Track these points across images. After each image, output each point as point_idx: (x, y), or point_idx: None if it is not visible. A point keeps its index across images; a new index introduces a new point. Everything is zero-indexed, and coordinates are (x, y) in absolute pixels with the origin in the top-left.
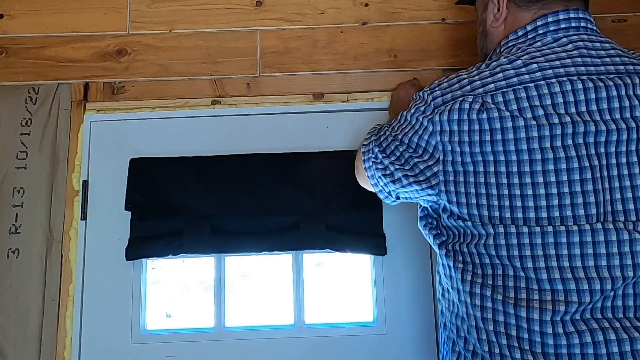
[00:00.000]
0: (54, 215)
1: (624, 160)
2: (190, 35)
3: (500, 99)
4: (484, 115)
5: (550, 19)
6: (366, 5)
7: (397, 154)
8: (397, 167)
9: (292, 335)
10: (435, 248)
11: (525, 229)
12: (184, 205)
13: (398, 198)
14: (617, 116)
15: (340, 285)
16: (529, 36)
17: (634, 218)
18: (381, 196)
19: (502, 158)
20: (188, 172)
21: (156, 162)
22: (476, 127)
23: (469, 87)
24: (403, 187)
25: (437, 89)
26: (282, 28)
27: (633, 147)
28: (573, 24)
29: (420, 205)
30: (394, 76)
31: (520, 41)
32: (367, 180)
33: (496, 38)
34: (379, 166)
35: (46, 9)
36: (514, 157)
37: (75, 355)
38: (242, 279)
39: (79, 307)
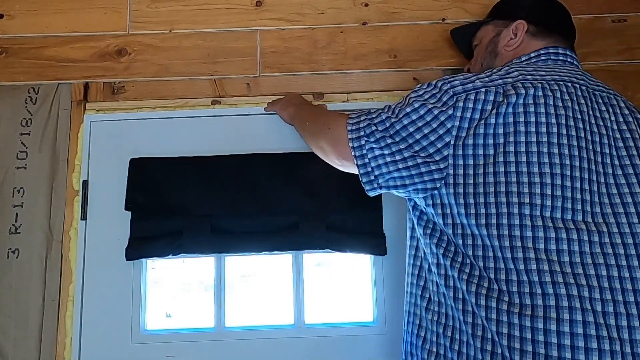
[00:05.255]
0: (54, 215)
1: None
2: (190, 35)
3: (522, 90)
4: (503, 109)
5: (551, 50)
6: (366, 5)
7: (404, 134)
8: (403, 147)
9: (292, 335)
10: (434, 258)
11: (517, 231)
12: (184, 205)
13: (381, 187)
14: (608, 125)
15: (340, 285)
16: (532, 60)
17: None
18: (364, 179)
19: (512, 149)
20: (188, 172)
21: (156, 162)
22: (492, 120)
23: (487, 79)
24: (407, 168)
25: (453, 79)
26: (282, 28)
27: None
28: (568, 60)
29: (416, 211)
30: (394, 76)
31: (524, 63)
32: (348, 159)
33: (505, 59)
34: (375, 145)
35: (46, 9)
36: (524, 149)
37: (75, 355)
38: (242, 279)
39: (79, 307)
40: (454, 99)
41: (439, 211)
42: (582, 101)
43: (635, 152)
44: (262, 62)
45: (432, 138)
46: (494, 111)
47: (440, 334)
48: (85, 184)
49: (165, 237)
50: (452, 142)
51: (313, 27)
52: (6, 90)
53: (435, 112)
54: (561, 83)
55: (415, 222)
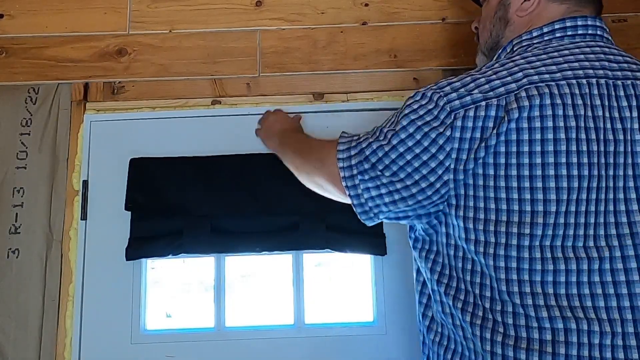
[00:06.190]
0: (54, 215)
1: (629, 180)
2: (190, 35)
3: (525, 102)
4: (504, 127)
5: (568, 24)
6: (366, 5)
7: (401, 162)
8: (400, 179)
9: (292, 335)
10: (430, 284)
11: (514, 263)
12: (184, 205)
13: (381, 219)
14: (628, 126)
15: (340, 285)
16: (545, 38)
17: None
18: (363, 217)
19: (514, 172)
20: (188, 172)
21: (156, 162)
22: (492, 141)
23: (487, 86)
24: (407, 205)
25: (449, 90)
26: (282, 28)
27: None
28: (590, 31)
29: (411, 233)
30: (394, 76)
31: (535, 42)
32: (339, 191)
33: (518, 27)
34: (370, 185)
35: (46, 9)
36: (527, 172)
37: (75, 355)
38: (242, 279)
39: (79, 307)
40: (452, 117)
41: (443, 230)
42: (598, 102)
43: None
44: (262, 62)
45: (432, 165)
46: (495, 131)
47: (441, 355)
48: (85, 184)
49: (165, 237)
50: (452, 165)
51: (313, 27)
52: (6, 90)
53: (433, 135)
54: (574, 82)
55: (411, 244)
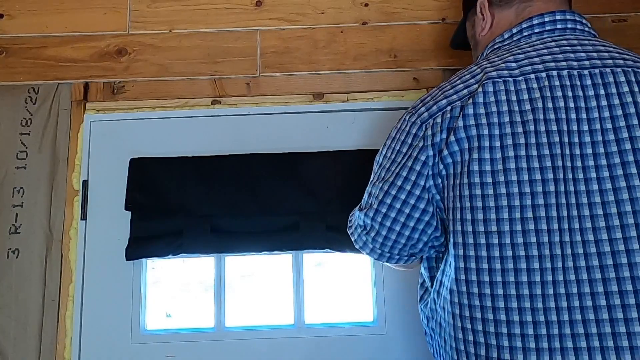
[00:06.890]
0: (54, 215)
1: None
2: (190, 35)
3: (480, 99)
4: (460, 123)
5: (535, 21)
6: (366, 5)
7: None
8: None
9: (292, 335)
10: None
11: (485, 263)
12: (184, 205)
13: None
14: (594, 115)
15: (340, 285)
16: (514, 38)
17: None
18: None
19: (476, 168)
20: (188, 172)
21: (156, 162)
22: (452, 138)
23: (452, 90)
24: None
25: (421, 105)
26: (282, 28)
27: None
28: (559, 26)
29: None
30: (394, 76)
31: (505, 43)
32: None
33: (486, 44)
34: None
35: (46, 9)
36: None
37: (75, 355)
38: (242, 279)
39: (79, 307)
40: (423, 128)
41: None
42: (559, 93)
43: (628, 146)
44: (262, 62)
45: (412, 178)
46: (453, 130)
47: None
48: (85, 183)
49: (165, 237)
50: (430, 172)
51: (313, 27)
52: (6, 90)
53: (404, 149)
54: (532, 77)
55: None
